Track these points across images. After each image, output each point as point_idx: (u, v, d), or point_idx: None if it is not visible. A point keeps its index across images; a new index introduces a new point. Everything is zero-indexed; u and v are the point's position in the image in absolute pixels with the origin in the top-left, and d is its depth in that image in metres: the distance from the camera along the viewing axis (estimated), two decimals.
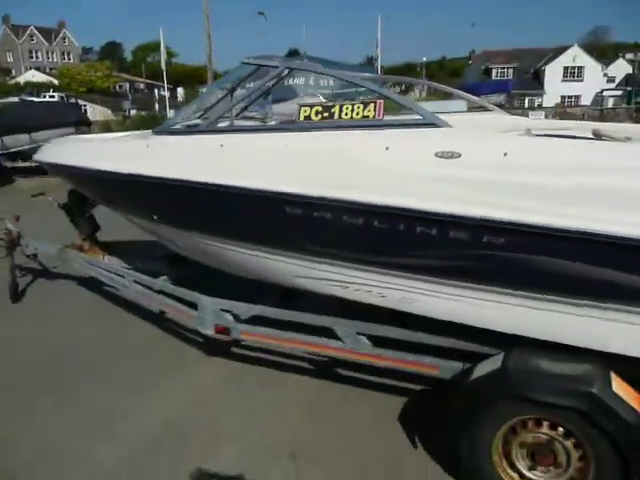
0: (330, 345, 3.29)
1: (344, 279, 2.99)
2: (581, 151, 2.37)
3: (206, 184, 3.08)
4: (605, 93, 42.58)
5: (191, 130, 3.42)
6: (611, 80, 47.60)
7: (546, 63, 45.38)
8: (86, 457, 3.12)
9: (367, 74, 3.65)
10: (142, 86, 56.77)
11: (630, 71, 48.81)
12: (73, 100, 31.90)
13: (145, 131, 4.14)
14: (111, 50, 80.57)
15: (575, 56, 44.79)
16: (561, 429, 2.47)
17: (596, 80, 45.25)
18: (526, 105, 39.96)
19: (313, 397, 3.67)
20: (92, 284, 5.50)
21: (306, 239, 2.93)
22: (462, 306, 2.68)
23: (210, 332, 3.68)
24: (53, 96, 32.35)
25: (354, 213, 2.70)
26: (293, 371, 3.97)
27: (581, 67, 45.29)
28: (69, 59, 67.54)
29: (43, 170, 4.98)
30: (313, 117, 2.89)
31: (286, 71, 3.24)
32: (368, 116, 2.75)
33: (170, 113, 21.84)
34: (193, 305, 3.77)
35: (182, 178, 3.16)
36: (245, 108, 3.44)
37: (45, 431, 3.37)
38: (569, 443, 2.46)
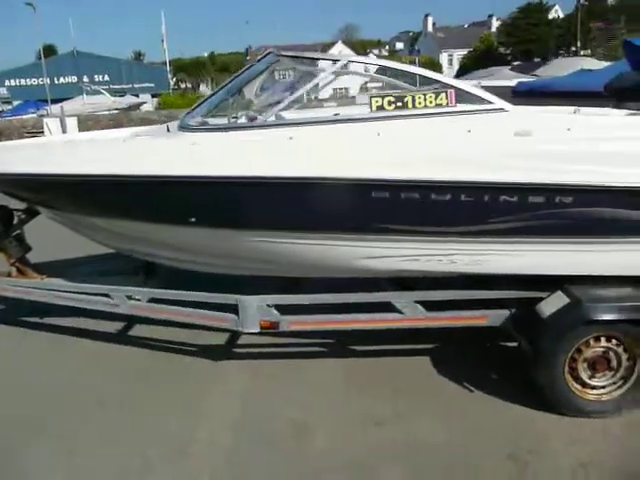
0: (388, 318, 3.58)
1: (417, 252, 3.31)
2: (627, 123, 3.10)
3: (282, 178, 3.08)
4: (369, 85, 47.74)
5: (251, 125, 3.32)
6: None
7: None
8: None
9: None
10: None
11: None
12: None
13: (141, 129, 3.78)
14: None
15: (340, 51, 49.29)
16: (614, 340, 3.21)
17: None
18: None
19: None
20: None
21: (391, 220, 3.17)
22: (528, 259, 3.24)
23: (255, 329, 3.63)
24: None
25: (440, 190, 3.05)
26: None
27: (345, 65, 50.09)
28: None
29: None
30: (386, 107, 3.13)
31: (339, 66, 3.37)
32: (441, 104, 3.11)
33: None
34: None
35: (251, 174, 3.09)
36: (294, 101, 3.43)
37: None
38: (620, 349, 3.22)
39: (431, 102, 3.11)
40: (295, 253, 3.44)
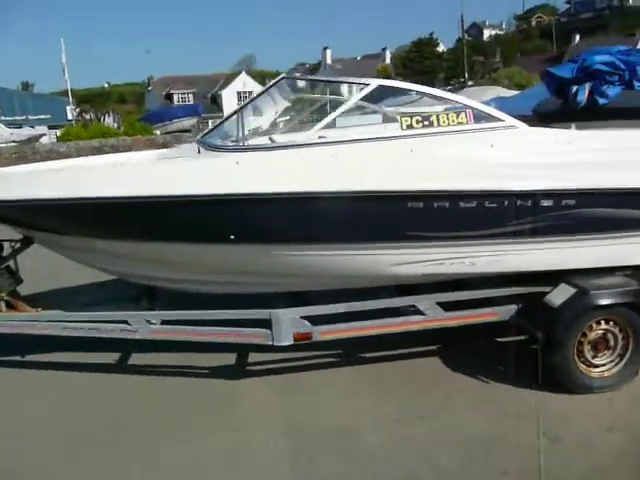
0: (412, 320, 3.85)
1: (442, 257, 3.63)
2: (615, 137, 3.65)
3: (325, 193, 3.29)
4: None
5: (294, 144, 3.49)
6: None
7: (221, 88, 49.39)
8: None
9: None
10: None
11: None
12: None
13: (172, 151, 3.79)
14: None
15: (245, 82, 50.02)
16: (612, 322, 3.71)
17: None
18: (209, 127, 42.82)
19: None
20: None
21: (423, 227, 3.47)
22: (535, 257, 3.68)
23: (288, 342, 3.74)
24: None
25: (468, 199, 3.41)
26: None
27: (251, 92, 50.78)
28: None
29: None
30: (415, 125, 3.46)
31: (375, 87, 3.63)
32: (462, 122, 3.49)
33: None
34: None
35: (298, 190, 3.26)
36: (332, 121, 3.63)
37: None
38: (617, 330, 3.73)
39: (453, 121, 3.49)
40: (330, 265, 3.63)
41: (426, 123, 3.47)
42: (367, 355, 4.39)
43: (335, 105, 3.75)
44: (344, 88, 3.95)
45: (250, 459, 3.27)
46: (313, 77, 4.01)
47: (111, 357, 4.57)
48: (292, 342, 3.75)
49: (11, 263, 4.30)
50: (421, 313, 3.83)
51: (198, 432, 3.54)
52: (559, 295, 3.70)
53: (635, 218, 3.58)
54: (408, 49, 41.49)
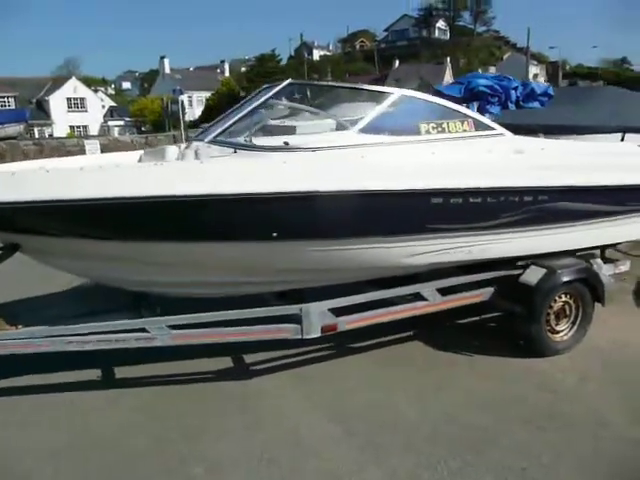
0: (417, 306, 4.30)
1: (448, 246, 4.14)
2: (579, 147, 4.51)
3: (360, 191, 3.59)
4: (110, 123, 46.22)
5: (333, 146, 3.67)
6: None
7: (48, 93, 45.07)
8: None
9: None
10: None
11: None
12: None
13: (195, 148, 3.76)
14: None
15: (76, 87, 46.29)
16: (568, 295, 4.57)
17: (98, 111, 48.29)
18: (36, 135, 38.82)
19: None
20: None
21: (440, 221, 3.94)
22: (515, 244, 4.38)
23: (316, 334, 3.94)
24: None
25: (476, 195, 3.98)
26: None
27: (83, 98, 47.26)
28: None
29: None
30: (431, 131, 3.93)
31: (397, 98, 3.95)
32: (466, 130, 4.05)
33: None
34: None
35: (335, 189, 3.52)
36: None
37: None
38: (572, 301, 4.60)
39: (459, 128, 4.04)
40: (358, 258, 3.91)
41: (440, 129, 3.98)
42: (355, 345, 4.73)
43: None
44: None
45: (310, 445, 3.41)
46: (327, 83, 4.13)
47: (96, 373, 4.30)
48: (319, 334, 3.95)
49: None
50: (424, 299, 4.30)
51: (241, 430, 3.58)
52: (533, 275, 4.45)
53: (590, 210, 4.49)
54: (252, 63, 42.37)
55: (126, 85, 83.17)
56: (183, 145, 4.50)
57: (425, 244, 4.05)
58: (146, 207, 3.32)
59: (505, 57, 69.02)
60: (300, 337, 3.91)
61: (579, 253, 4.85)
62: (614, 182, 4.48)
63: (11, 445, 3.47)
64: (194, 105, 50.18)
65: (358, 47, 79.87)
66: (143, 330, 3.77)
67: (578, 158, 4.42)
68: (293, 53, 69.83)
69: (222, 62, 55.98)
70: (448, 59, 59.42)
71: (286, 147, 3.68)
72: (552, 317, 4.54)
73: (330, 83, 4.52)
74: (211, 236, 3.57)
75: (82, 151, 21.11)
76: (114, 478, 3.18)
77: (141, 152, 4.93)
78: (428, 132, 3.95)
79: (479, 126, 4.15)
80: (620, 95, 6.61)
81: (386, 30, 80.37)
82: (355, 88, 4.47)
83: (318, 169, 3.60)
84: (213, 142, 3.98)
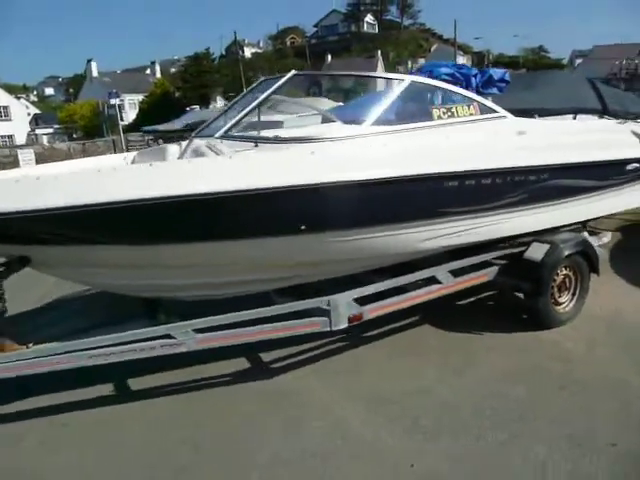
0: (432, 290, 4.38)
1: (460, 229, 4.23)
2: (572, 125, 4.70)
3: (384, 179, 3.61)
4: (38, 131, 44.04)
5: (348, 136, 3.70)
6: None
7: None
8: None
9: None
10: None
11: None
12: None
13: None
14: None
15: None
16: (568, 268, 4.78)
17: (22, 119, 45.76)
18: None
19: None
20: None
21: (454, 204, 4.03)
22: (525, 220, 4.53)
23: (344, 325, 3.93)
24: None
25: (487, 176, 4.09)
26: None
27: (6, 106, 44.64)
28: None
29: None
30: (442, 116, 3.99)
31: (408, 84, 3.96)
32: (472, 113, 4.15)
33: None
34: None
35: (366, 178, 3.53)
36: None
37: None
38: (571, 273, 4.82)
39: (466, 112, 4.13)
40: (379, 245, 3.93)
41: (450, 114, 4.05)
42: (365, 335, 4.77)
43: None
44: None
45: (357, 435, 3.42)
46: (333, 72, 4.06)
47: (108, 388, 4.12)
48: (347, 325, 3.94)
49: None
50: (438, 282, 4.38)
51: (282, 429, 3.55)
52: (537, 251, 4.62)
53: (586, 185, 4.72)
54: (186, 63, 41.37)
55: (49, 91, 79.42)
56: (184, 143, 4.36)
57: (439, 228, 4.12)
58: (189, 206, 3.20)
59: (433, 49, 71.13)
60: (329, 329, 3.89)
61: (567, 228, 5.09)
62: (606, 157, 4.73)
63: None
64: (127, 108, 48.45)
65: (289, 44, 79.88)
66: (168, 337, 3.64)
67: (574, 136, 4.64)
68: (224, 52, 68.88)
69: (153, 63, 54.36)
70: (379, 52, 60.48)
71: (312, 138, 3.64)
72: (555, 290, 4.73)
73: (337, 72, 4.49)
74: (245, 233, 3.49)
75: (16, 162, 19.96)
76: None
77: (126, 155, 4.75)
78: (440, 117, 4.02)
79: (483, 109, 4.27)
80: (566, 78, 7.02)
81: (315, 26, 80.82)
82: (366, 76, 4.47)
83: (345, 159, 3.59)
84: (225, 137, 3.88)
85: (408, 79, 4.06)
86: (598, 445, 3.16)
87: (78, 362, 3.53)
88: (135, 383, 4.17)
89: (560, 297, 4.80)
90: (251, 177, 3.31)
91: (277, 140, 3.63)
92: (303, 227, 3.54)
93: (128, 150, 25.48)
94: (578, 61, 52.85)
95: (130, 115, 44.56)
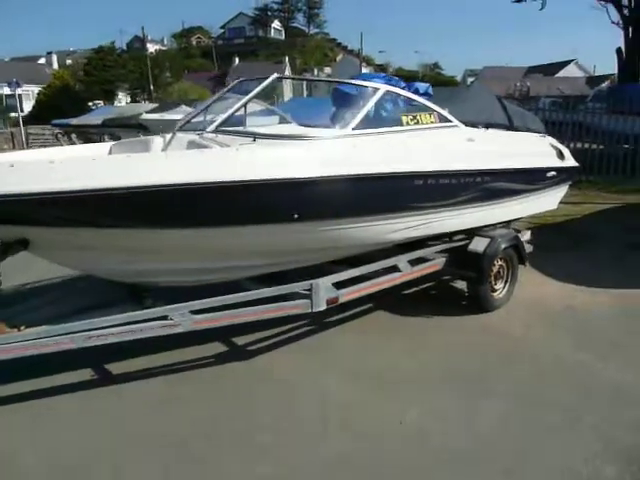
0: (395, 277, 4.87)
1: (418, 223, 4.78)
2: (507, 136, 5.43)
3: (372, 174, 4.09)
4: None
5: (335, 137, 4.13)
6: None
7: None
8: None
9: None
10: None
11: None
12: None
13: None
14: None
15: None
16: (502, 259, 5.53)
17: None
18: None
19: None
20: None
21: (418, 200, 4.58)
22: (463, 219, 5.19)
23: (323, 307, 4.31)
24: None
25: (445, 177, 4.69)
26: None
27: None
28: None
29: None
30: (410, 122, 4.53)
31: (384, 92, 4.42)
32: (433, 121, 4.73)
33: None
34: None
35: (362, 172, 4.02)
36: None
37: None
38: (504, 264, 5.57)
39: (429, 120, 4.72)
40: (355, 235, 4.37)
41: (415, 121, 4.61)
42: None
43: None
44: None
45: (348, 402, 3.83)
46: (313, 78, 4.38)
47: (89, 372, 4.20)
48: (325, 307, 4.33)
49: None
50: (399, 270, 4.91)
51: (277, 402, 3.88)
52: (479, 244, 5.31)
53: (518, 188, 5.50)
54: (89, 55, 39.35)
55: None
56: (167, 135, 4.54)
57: (405, 221, 4.65)
58: (197, 193, 3.45)
59: (338, 59, 73.28)
60: (310, 311, 4.27)
61: (499, 226, 5.86)
62: (534, 165, 5.56)
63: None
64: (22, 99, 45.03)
65: (195, 43, 78.44)
66: (164, 318, 3.83)
67: (510, 146, 5.41)
68: (126, 47, 66.17)
69: (49, 54, 50.97)
70: (287, 58, 61.23)
71: (304, 137, 4.02)
72: (492, 278, 5.46)
73: (317, 78, 4.88)
74: (242, 220, 3.78)
75: None
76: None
77: (105, 144, 4.83)
78: (408, 123, 4.56)
79: (441, 118, 4.88)
80: (480, 94, 7.84)
81: (222, 27, 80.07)
82: (344, 83, 4.91)
83: (332, 157, 4.00)
84: (219, 132, 4.14)
85: (384, 88, 4.56)
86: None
87: (78, 343, 3.60)
88: (116, 367, 4.27)
89: (496, 285, 5.53)
90: (257, 169, 3.63)
91: (275, 136, 3.97)
92: (296, 216, 3.90)
93: (29, 145, 23.83)
94: (470, 79, 57.06)
95: (25, 107, 41.47)
